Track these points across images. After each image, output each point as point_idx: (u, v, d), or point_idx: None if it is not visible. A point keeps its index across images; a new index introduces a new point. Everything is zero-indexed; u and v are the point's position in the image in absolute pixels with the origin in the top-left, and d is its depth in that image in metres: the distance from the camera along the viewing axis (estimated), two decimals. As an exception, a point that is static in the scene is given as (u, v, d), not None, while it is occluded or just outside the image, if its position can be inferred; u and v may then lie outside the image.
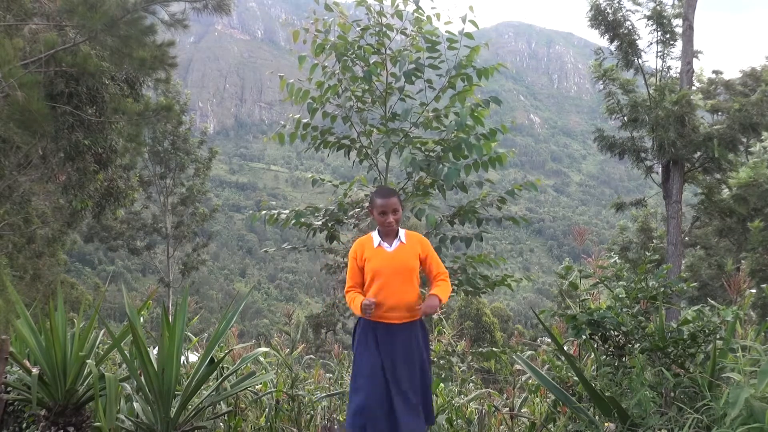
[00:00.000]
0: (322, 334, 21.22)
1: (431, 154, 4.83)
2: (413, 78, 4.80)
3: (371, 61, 4.83)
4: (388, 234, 3.49)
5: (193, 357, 5.09)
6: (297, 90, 4.89)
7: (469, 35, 4.63)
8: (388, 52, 4.89)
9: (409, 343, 3.38)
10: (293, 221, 4.99)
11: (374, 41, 4.88)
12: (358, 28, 4.88)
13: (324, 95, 4.92)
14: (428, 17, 4.79)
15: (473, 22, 4.59)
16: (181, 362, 4.29)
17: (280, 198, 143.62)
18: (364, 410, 3.27)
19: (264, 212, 5.08)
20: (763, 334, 3.59)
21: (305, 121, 4.97)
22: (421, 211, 4.40)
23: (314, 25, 4.85)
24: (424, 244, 3.53)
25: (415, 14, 4.80)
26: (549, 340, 4.57)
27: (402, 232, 3.51)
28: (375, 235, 3.51)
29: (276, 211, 5.10)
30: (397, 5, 4.80)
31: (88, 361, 3.92)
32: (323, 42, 4.83)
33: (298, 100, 4.89)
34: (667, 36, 14.89)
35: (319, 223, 5.02)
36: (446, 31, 4.72)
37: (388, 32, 4.83)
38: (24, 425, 4.20)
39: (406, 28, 4.87)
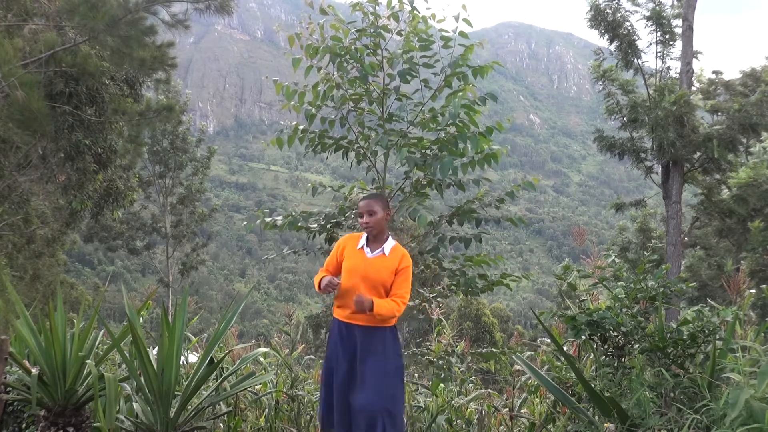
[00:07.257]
0: (321, 334, 21.25)
1: (428, 152, 4.83)
2: (408, 78, 4.78)
3: (367, 62, 4.82)
4: (373, 240, 3.50)
5: (193, 357, 5.10)
6: (292, 92, 4.88)
7: (463, 34, 4.61)
8: (385, 53, 4.88)
9: (369, 346, 3.37)
10: (287, 228, 4.99)
11: (370, 42, 4.87)
12: (353, 30, 4.86)
13: (318, 98, 4.91)
14: (423, 17, 4.77)
15: (467, 21, 4.56)
16: (181, 362, 4.29)
17: (280, 198, 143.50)
18: (322, 418, 3.48)
19: (258, 222, 5.06)
20: (763, 334, 3.59)
21: (302, 127, 4.96)
22: (415, 211, 4.39)
23: (309, 29, 4.83)
24: (403, 261, 3.43)
25: (410, 15, 4.78)
26: (548, 340, 4.57)
27: (390, 243, 3.48)
28: (363, 237, 3.54)
29: (270, 219, 5.09)
30: (393, 7, 4.79)
31: (87, 361, 3.92)
32: (317, 45, 4.82)
33: (296, 107, 4.88)
34: (667, 36, 14.91)
35: (316, 226, 5.01)
36: (439, 29, 4.70)
37: (383, 33, 4.82)
38: (24, 425, 4.20)
39: (402, 30, 4.86)
